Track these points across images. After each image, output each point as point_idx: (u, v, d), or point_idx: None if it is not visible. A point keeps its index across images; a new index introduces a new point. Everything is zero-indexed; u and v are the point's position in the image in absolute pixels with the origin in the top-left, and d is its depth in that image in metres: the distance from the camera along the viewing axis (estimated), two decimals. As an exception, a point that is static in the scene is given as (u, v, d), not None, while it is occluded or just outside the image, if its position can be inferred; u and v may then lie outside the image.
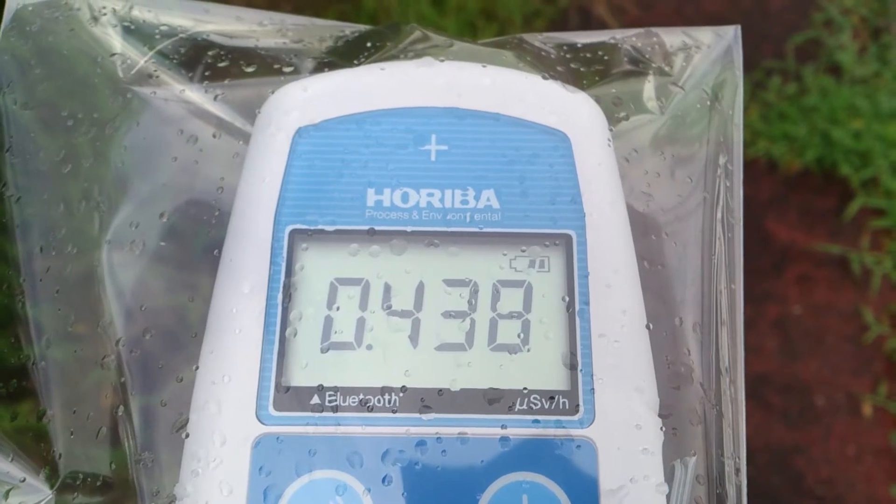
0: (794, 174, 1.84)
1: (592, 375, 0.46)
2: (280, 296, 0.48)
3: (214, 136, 0.54)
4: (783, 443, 1.62)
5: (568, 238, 0.49)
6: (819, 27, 1.98)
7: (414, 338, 0.47)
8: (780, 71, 1.93)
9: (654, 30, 0.57)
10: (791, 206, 1.82)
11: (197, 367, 0.47)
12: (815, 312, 1.72)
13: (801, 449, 1.61)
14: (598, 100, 0.53)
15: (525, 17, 1.93)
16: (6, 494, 0.46)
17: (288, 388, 0.46)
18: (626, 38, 0.57)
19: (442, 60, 0.53)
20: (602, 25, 1.95)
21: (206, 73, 0.54)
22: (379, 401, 0.46)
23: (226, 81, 0.55)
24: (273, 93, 0.52)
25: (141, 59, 0.54)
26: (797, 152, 1.84)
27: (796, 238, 1.79)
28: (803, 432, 1.62)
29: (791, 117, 1.86)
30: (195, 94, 0.54)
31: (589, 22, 1.96)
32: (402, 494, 0.44)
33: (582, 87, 0.54)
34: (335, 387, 0.46)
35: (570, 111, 0.52)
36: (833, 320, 1.72)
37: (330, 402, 0.46)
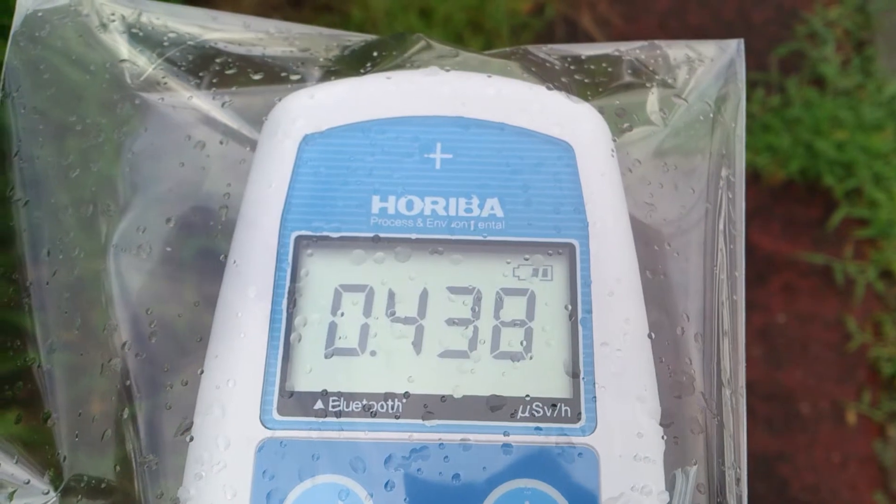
0: (778, 185, 1.85)
1: (595, 384, 0.47)
2: (285, 301, 0.48)
3: (221, 142, 0.54)
4: (768, 450, 1.62)
5: (571, 247, 0.49)
6: (802, 39, 1.99)
7: (417, 344, 0.47)
8: (763, 83, 1.94)
9: (658, 42, 0.57)
10: (775, 216, 1.83)
11: (202, 372, 0.47)
12: (799, 321, 1.73)
13: (786, 456, 1.62)
14: (601, 111, 0.53)
15: (512, 28, 1.93)
16: (11, 496, 0.46)
17: (292, 393, 0.46)
18: (629, 50, 0.57)
19: (447, 70, 0.54)
20: (588, 37, 1.96)
21: (214, 81, 0.55)
22: (382, 406, 0.46)
23: (233, 89, 0.55)
24: (280, 100, 0.53)
25: (149, 65, 0.55)
26: (781, 163, 1.85)
27: (780, 248, 1.80)
28: (788, 440, 1.63)
29: (775, 129, 1.87)
30: (203, 101, 0.55)
31: (575, 34, 1.96)
32: (405, 500, 0.44)
33: (586, 98, 0.54)
34: (339, 392, 0.46)
35: (574, 122, 0.52)
36: (817, 329, 1.73)
37: (333, 407, 0.46)
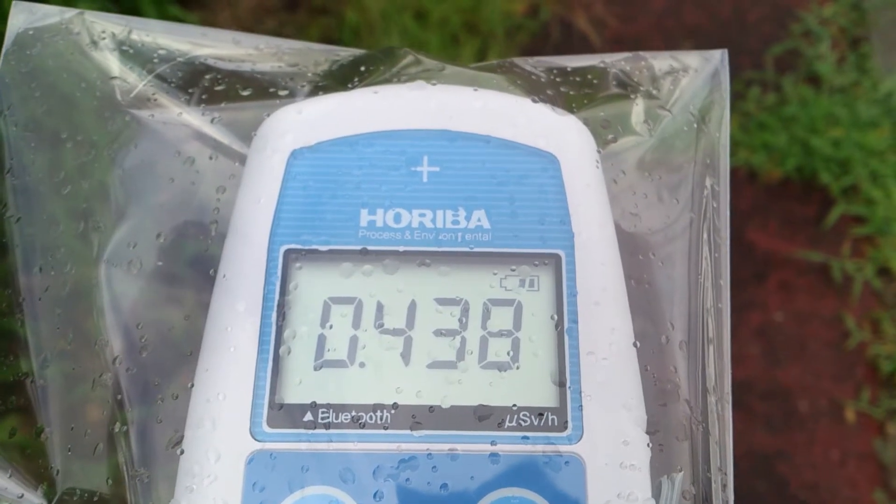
0: (774, 183, 1.86)
1: (581, 392, 0.47)
2: (274, 314, 0.48)
3: (211, 157, 0.54)
4: (767, 449, 1.63)
5: (557, 258, 0.50)
6: (797, 38, 2.00)
7: (406, 355, 0.48)
8: (759, 81, 1.94)
9: (642, 54, 0.57)
10: (772, 214, 1.83)
11: (192, 385, 0.47)
12: (797, 319, 1.73)
13: (785, 455, 1.62)
14: (586, 122, 0.54)
15: (507, 30, 1.93)
16: (5, 510, 0.46)
17: (282, 406, 0.46)
18: (614, 62, 0.57)
19: (434, 84, 0.54)
20: (583, 39, 1.96)
21: (204, 97, 0.55)
22: (371, 417, 0.46)
23: (222, 104, 0.55)
24: (269, 115, 0.53)
25: (139, 82, 0.55)
26: (777, 161, 1.85)
27: (777, 246, 1.80)
28: (787, 438, 1.63)
29: (771, 127, 1.87)
30: (192, 117, 0.55)
31: (570, 35, 1.96)
32: None
33: (571, 110, 0.55)
34: (328, 404, 0.46)
35: (560, 133, 0.53)
36: (815, 327, 1.73)
37: (323, 418, 0.46)
